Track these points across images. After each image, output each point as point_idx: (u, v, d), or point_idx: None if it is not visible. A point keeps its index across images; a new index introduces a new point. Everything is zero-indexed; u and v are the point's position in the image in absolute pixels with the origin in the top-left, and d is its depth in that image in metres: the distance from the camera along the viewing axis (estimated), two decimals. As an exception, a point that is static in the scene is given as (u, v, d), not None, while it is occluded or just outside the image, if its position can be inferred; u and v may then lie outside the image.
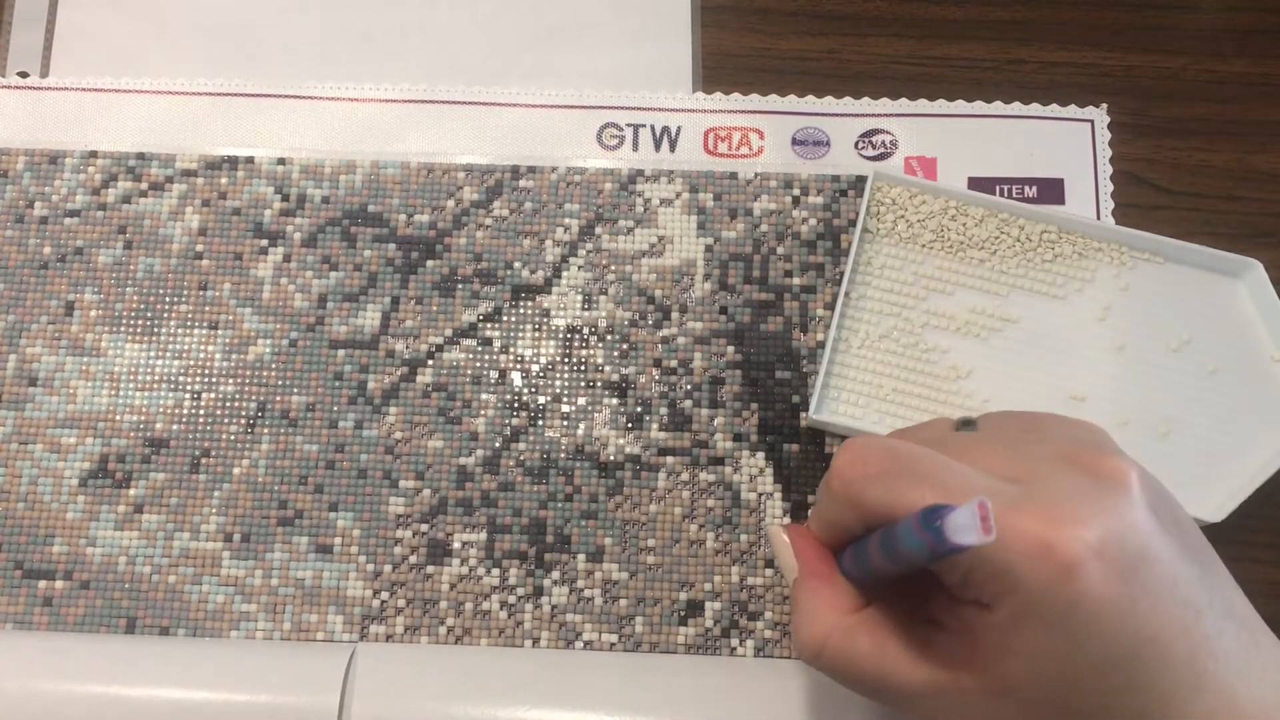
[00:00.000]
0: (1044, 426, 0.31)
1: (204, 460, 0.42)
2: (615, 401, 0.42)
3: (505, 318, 0.43)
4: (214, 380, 0.42)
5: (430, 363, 0.43)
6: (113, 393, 0.42)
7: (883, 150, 0.45)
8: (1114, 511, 0.27)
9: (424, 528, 0.41)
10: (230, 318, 0.43)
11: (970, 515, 0.25)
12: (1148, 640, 0.27)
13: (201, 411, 0.42)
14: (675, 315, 0.43)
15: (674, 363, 0.43)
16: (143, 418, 0.42)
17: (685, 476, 0.42)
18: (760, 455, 0.42)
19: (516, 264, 0.44)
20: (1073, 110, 0.46)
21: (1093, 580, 0.26)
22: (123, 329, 0.43)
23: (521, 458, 0.42)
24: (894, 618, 0.30)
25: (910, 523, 0.27)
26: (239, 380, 0.42)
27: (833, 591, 0.32)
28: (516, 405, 0.42)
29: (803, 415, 0.42)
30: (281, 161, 0.45)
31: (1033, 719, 0.28)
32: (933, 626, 0.30)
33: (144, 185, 0.44)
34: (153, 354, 0.43)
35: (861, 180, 0.44)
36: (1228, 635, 0.27)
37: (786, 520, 0.41)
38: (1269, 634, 0.29)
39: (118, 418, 0.42)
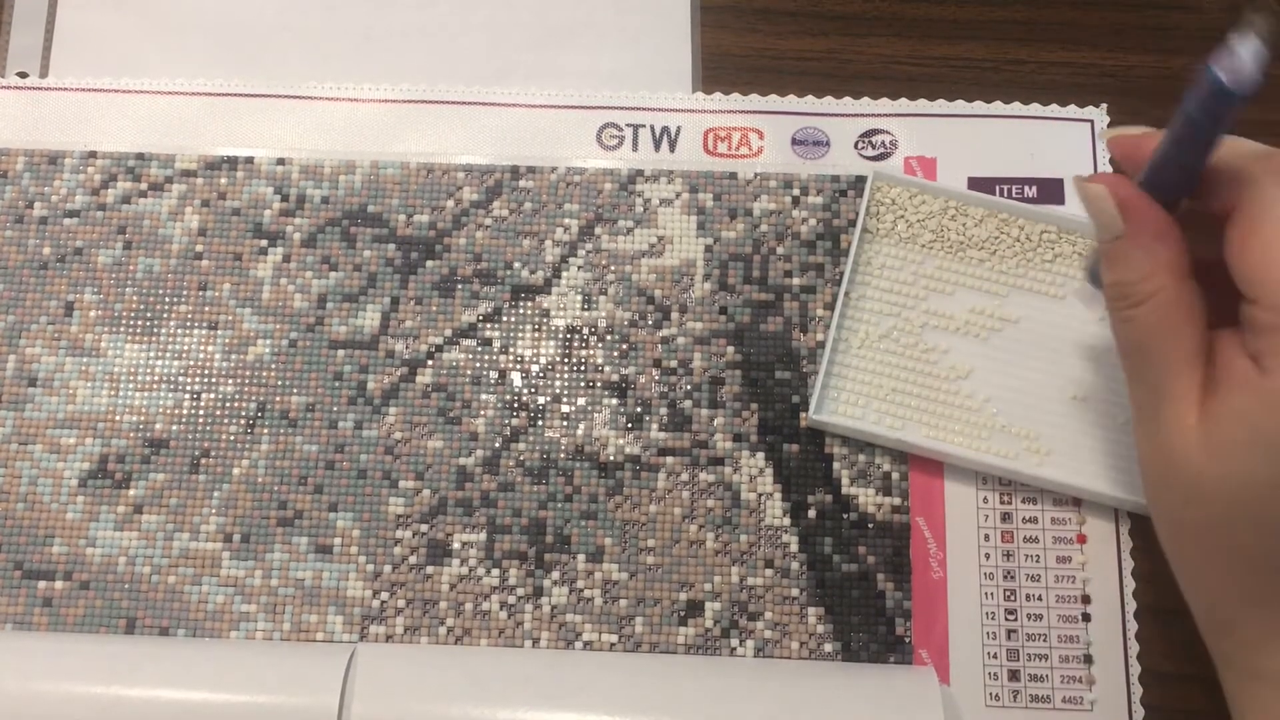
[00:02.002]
0: None
1: (204, 461, 0.42)
2: (615, 402, 0.42)
3: (505, 318, 0.43)
4: (214, 380, 0.42)
5: (430, 363, 0.43)
6: (112, 393, 0.42)
7: (882, 150, 0.45)
8: None
9: (424, 528, 0.41)
10: (230, 318, 0.43)
11: (1248, 45, 0.24)
12: None
13: (201, 412, 0.42)
14: (675, 315, 0.43)
15: (674, 363, 0.43)
16: (142, 418, 0.42)
17: (685, 477, 0.42)
18: (760, 455, 0.42)
19: (516, 264, 0.44)
20: (1073, 110, 0.46)
21: None
22: (122, 329, 0.43)
23: (521, 458, 0.42)
24: (1203, 306, 0.31)
25: (1198, 82, 0.26)
26: (239, 380, 0.42)
27: (1170, 249, 0.31)
28: (516, 405, 0.42)
29: (803, 415, 0.42)
30: (281, 162, 0.45)
31: (1202, 489, 0.30)
32: (1225, 345, 0.30)
33: (143, 185, 0.44)
34: (152, 354, 0.43)
35: (861, 180, 0.44)
36: None
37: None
38: None
39: (117, 418, 0.42)
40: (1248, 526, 0.30)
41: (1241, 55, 0.24)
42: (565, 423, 0.42)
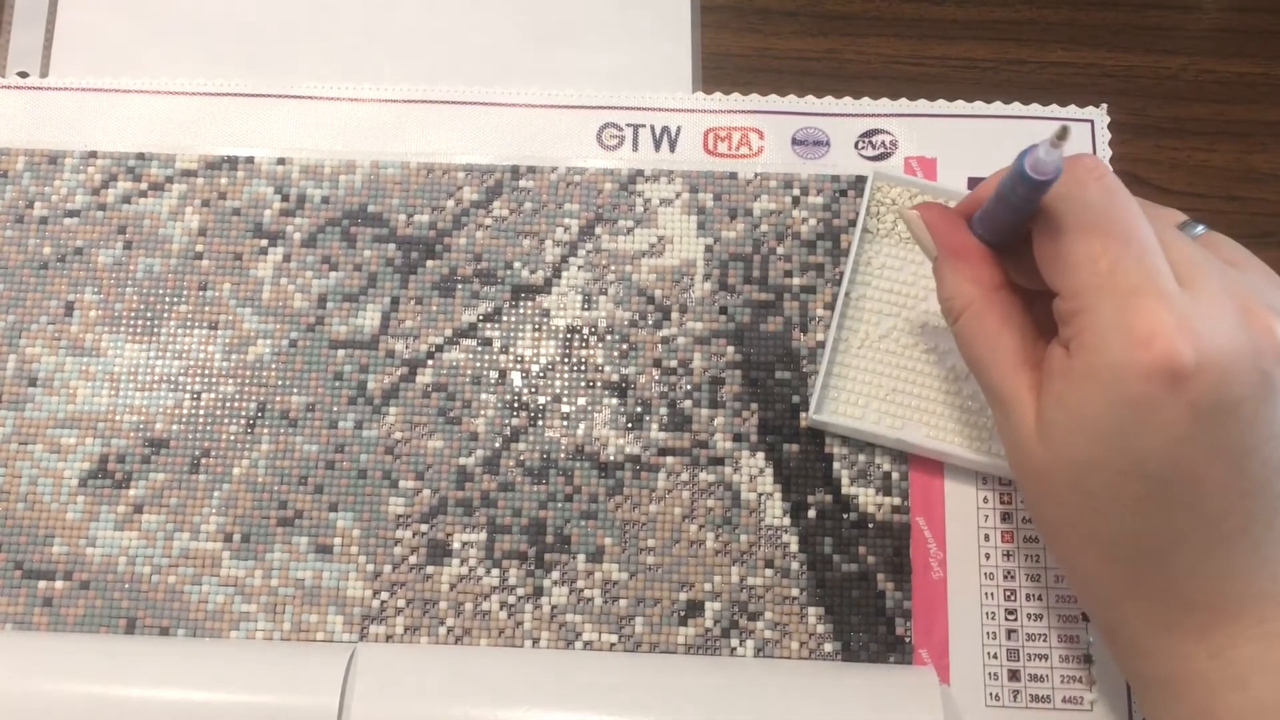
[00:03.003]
0: (1248, 269, 0.32)
1: (204, 460, 0.42)
2: (615, 401, 0.42)
3: (505, 318, 0.43)
4: (214, 380, 0.42)
5: (430, 363, 0.43)
6: (112, 393, 0.42)
7: (883, 150, 0.45)
8: (1239, 356, 0.27)
9: (424, 528, 0.41)
10: (230, 318, 0.43)
11: (1047, 149, 0.29)
12: (1185, 479, 0.28)
13: (201, 412, 0.42)
14: (675, 315, 0.43)
15: (674, 363, 0.43)
16: (142, 418, 0.42)
17: (685, 476, 0.42)
18: (760, 455, 0.42)
19: (516, 264, 0.44)
20: (1073, 110, 0.46)
21: (1175, 391, 0.27)
22: (122, 329, 0.43)
23: (521, 458, 0.42)
24: (1024, 316, 0.33)
25: (1014, 165, 0.30)
26: (239, 380, 0.42)
27: (973, 266, 0.33)
28: (516, 405, 0.42)
29: (803, 415, 0.42)
30: (281, 161, 0.45)
31: (1050, 481, 0.30)
32: (1041, 339, 0.32)
33: (144, 185, 0.44)
34: (152, 354, 0.43)
35: (861, 180, 0.44)
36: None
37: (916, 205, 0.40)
38: None
39: (117, 418, 0.42)
40: (1090, 511, 0.30)
41: (1041, 152, 0.30)
42: (565, 423, 0.42)
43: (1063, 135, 0.29)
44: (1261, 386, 0.28)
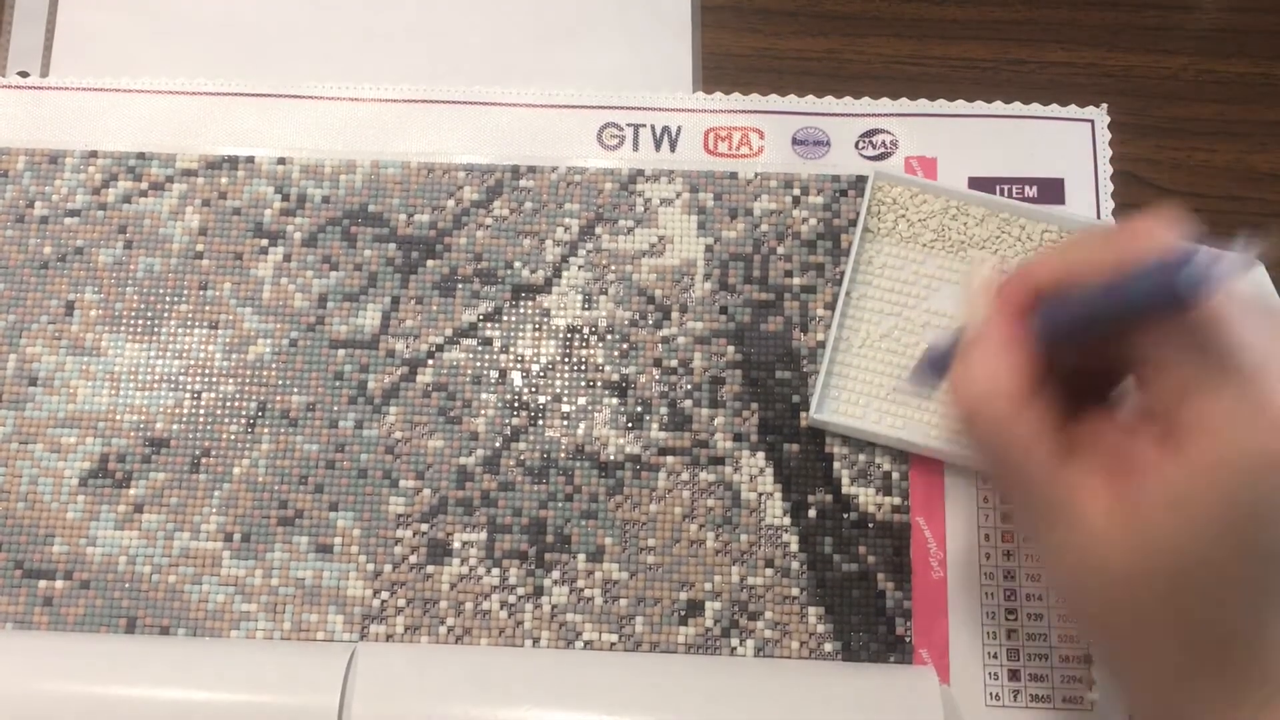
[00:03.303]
0: None
1: (204, 460, 0.42)
2: (615, 401, 0.42)
3: (505, 318, 0.43)
4: (214, 380, 0.42)
5: (430, 362, 0.43)
6: (113, 392, 0.42)
7: (883, 150, 0.45)
8: None
9: (424, 527, 0.41)
10: (230, 317, 0.43)
11: (1235, 258, 0.24)
12: None
13: (201, 411, 0.42)
14: (675, 315, 0.43)
15: (674, 363, 0.43)
16: (143, 417, 0.42)
17: (685, 476, 0.42)
18: (760, 455, 0.42)
19: (516, 264, 0.44)
20: (1073, 110, 0.46)
21: None
22: (123, 329, 0.43)
23: (521, 457, 0.42)
24: (1055, 411, 0.29)
25: (1165, 257, 0.26)
26: (239, 380, 0.42)
27: (1015, 355, 0.30)
28: (516, 405, 0.42)
29: (803, 415, 0.42)
30: (281, 161, 0.45)
31: (1137, 586, 0.28)
32: (1093, 439, 0.29)
33: (144, 185, 0.44)
34: (153, 354, 0.43)
35: (862, 180, 0.45)
36: None
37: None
38: None
39: (118, 417, 0.42)
40: (1185, 605, 0.28)
41: (1215, 270, 0.25)
42: (565, 422, 0.42)
43: (1258, 256, 0.25)
44: None
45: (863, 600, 0.40)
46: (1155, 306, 0.27)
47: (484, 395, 0.42)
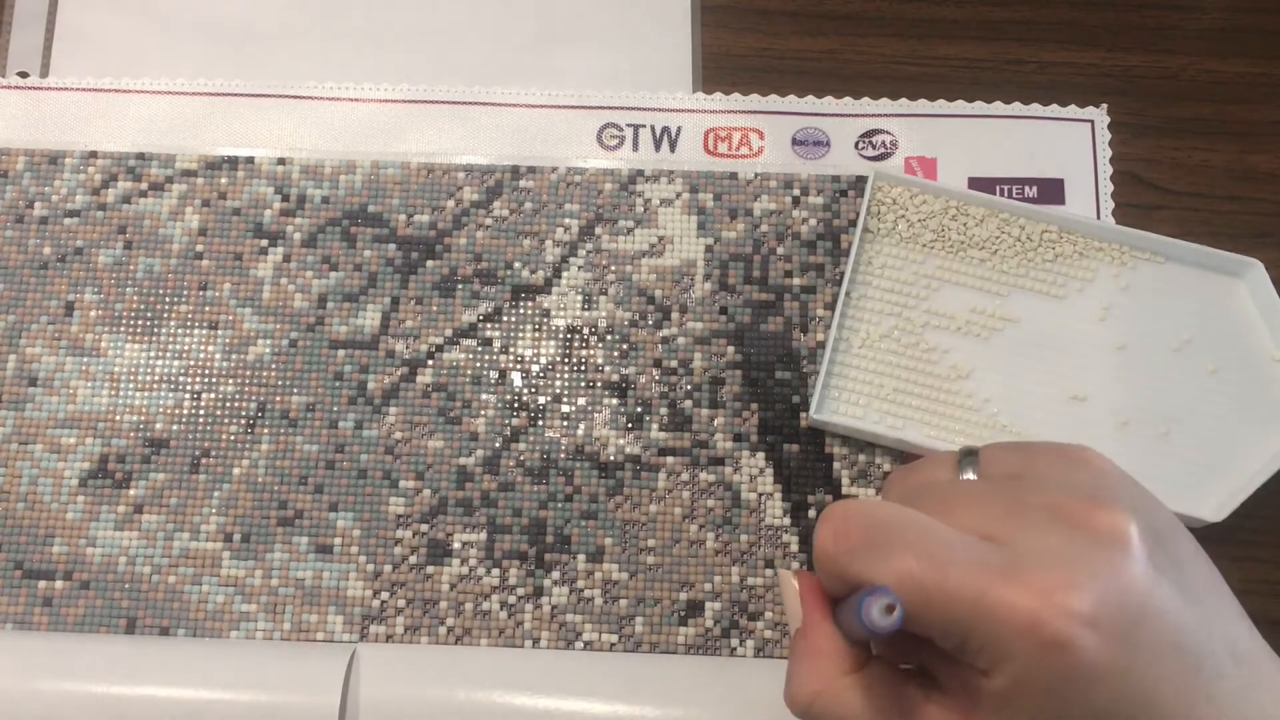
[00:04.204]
0: (1039, 469, 0.30)
1: (204, 460, 0.42)
2: (615, 401, 0.42)
3: (505, 318, 0.43)
4: (214, 380, 0.42)
5: (430, 363, 0.43)
6: (113, 393, 0.42)
7: (883, 150, 0.45)
8: (1109, 573, 0.26)
9: (424, 528, 0.41)
10: (230, 318, 0.43)
11: (879, 607, 0.26)
12: (1144, 699, 0.26)
13: (201, 412, 0.42)
14: (675, 315, 0.43)
15: (674, 363, 0.43)
16: (143, 418, 0.42)
17: (685, 477, 0.42)
18: (760, 455, 0.42)
19: (516, 264, 0.44)
20: (1073, 110, 0.46)
21: (1086, 651, 0.26)
22: (123, 329, 0.43)
23: (521, 458, 0.42)
24: (891, 678, 0.30)
25: (856, 600, 0.27)
26: (239, 380, 0.42)
27: (832, 648, 0.30)
28: (516, 405, 0.42)
29: (803, 415, 0.42)
30: (281, 161, 0.45)
31: None
32: (931, 686, 0.29)
33: (144, 185, 0.44)
34: (153, 354, 0.43)
35: (861, 180, 0.44)
36: (1228, 678, 0.27)
37: (796, 565, 0.40)
38: (1274, 660, 0.28)
39: (118, 418, 0.42)
40: None
41: (877, 621, 0.26)
42: (565, 423, 0.42)
43: (890, 610, 0.26)
44: (1144, 569, 0.27)
45: (863, 600, 0.40)
46: (865, 634, 0.28)
47: (484, 396, 0.42)
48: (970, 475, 0.31)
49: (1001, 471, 0.31)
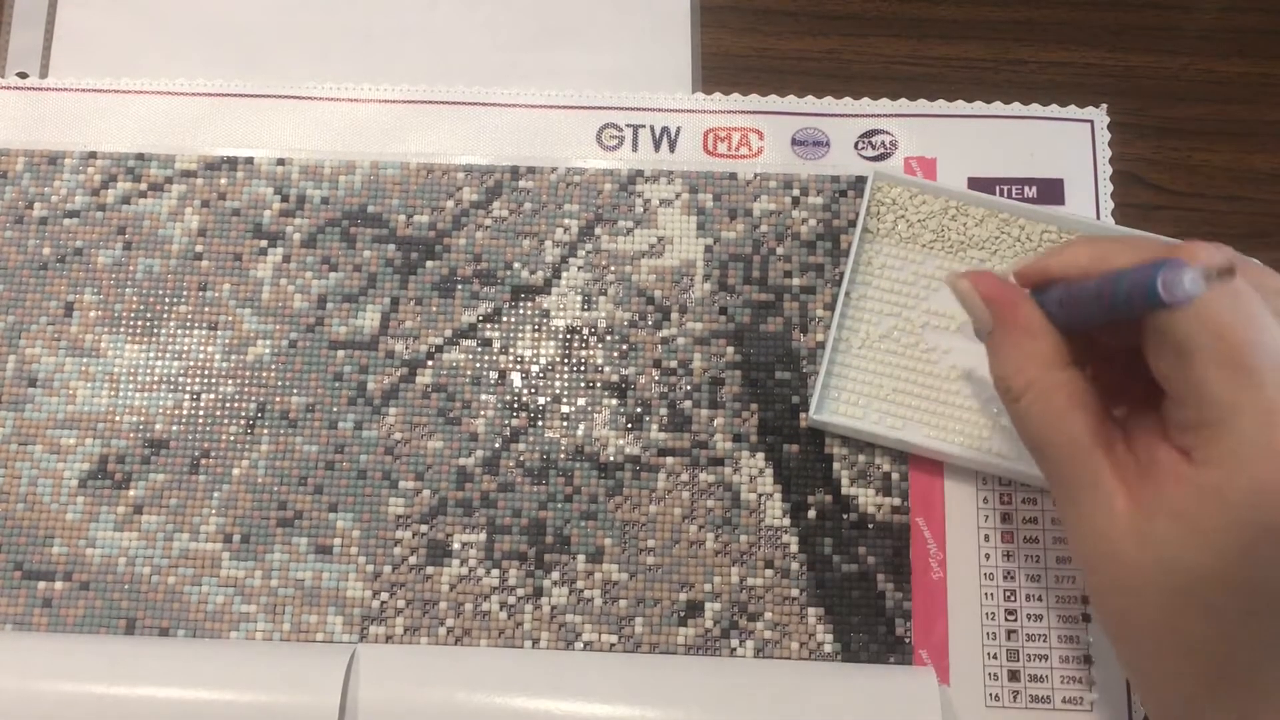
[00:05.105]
0: None
1: (204, 461, 0.42)
2: (615, 402, 0.42)
3: (505, 318, 0.43)
4: (213, 381, 0.42)
5: (430, 363, 0.43)
6: (112, 393, 0.42)
7: (882, 150, 0.45)
8: None
9: (424, 528, 0.41)
10: (230, 318, 0.43)
11: (1195, 280, 0.25)
12: None
13: (201, 412, 0.42)
14: (675, 316, 0.43)
15: (674, 363, 0.43)
16: (142, 418, 0.42)
17: (685, 477, 0.42)
18: (760, 456, 0.42)
19: (516, 264, 0.44)
20: (1073, 110, 0.46)
21: None
22: (122, 330, 0.43)
23: (521, 458, 0.42)
24: (1093, 395, 0.30)
25: (1142, 267, 0.27)
26: (238, 381, 0.42)
27: (1038, 343, 0.31)
28: (516, 406, 0.42)
29: (803, 416, 0.42)
30: (281, 162, 0.45)
31: (1142, 581, 0.29)
32: (1124, 433, 0.30)
33: (143, 186, 0.44)
34: (152, 355, 0.43)
35: (861, 181, 0.44)
36: None
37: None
38: None
39: (117, 418, 0.42)
40: (1198, 616, 0.29)
41: (1186, 282, 0.26)
42: (565, 423, 0.42)
43: (1226, 274, 0.26)
44: None
45: (862, 601, 0.40)
46: (1133, 305, 0.28)
47: (483, 396, 0.42)
48: None
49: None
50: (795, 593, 0.40)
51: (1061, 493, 0.31)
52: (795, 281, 0.44)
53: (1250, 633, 0.28)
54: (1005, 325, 0.32)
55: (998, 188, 0.45)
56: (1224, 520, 0.27)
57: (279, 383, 0.42)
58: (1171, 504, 0.28)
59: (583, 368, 0.43)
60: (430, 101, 0.46)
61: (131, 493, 0.41)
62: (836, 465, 0.42)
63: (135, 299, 0.43)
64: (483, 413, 0.42)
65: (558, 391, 0.42)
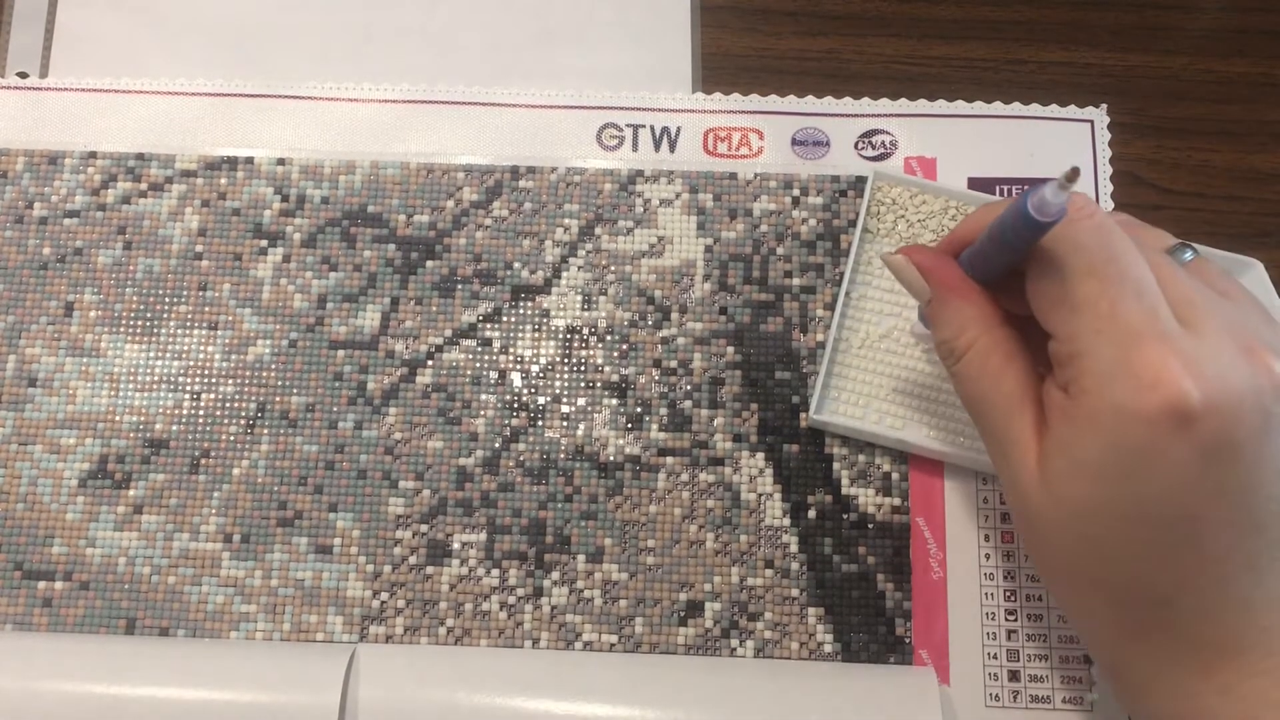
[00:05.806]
0: (1240, 302, 0.31)
1: (204, 461, 0.42)
2: (615, 402, 0.42)
3: (505, 318, 0.43)
4: (213, 381, 0.42)
5: (430, 363, 0.43)
6: (112, 393, 0.42)
7: (882, 150, 0.45)
8: (1243, 396, 0.27)
9: (424, 528, 0.41)
10: (230, 318, 0.43)
11: (1054, 190, 0.27)
12: (1190, 520, 0.27)
13: (201, 412, 0.42)
14: (675, 316, 0.43)
15: (674, 363, 0.43)
16: (142, 418, 0.42)
17: (685, 477, 0.42)
18: (760, 456, 0.42)
19: (516, 264, 0.44)
20: (1073, 110, 0.46)
21: (1181, 434, 0.26)
22: (122, 330, 0.43)
23: (521, 458, 0.42)
24: (1025, 352, 0.32)
25: (1015, 200, 0.29)
26: (238, 381, 0.42)
27: (975, 303, 0.33)
28: (516, 406, 0.42)
29: (803, 416, 0.42)
30: (281, 162, 0.45)
31: (1051, 526, 0.30)
32: (1038, 377, 0.31)
33: (143, 186, 0.44)
34: (152, 354, 0.43)
35: (861, 181, 0.44)
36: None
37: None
38: None
39: (117, 418, 0.42)
40: (1096, 558, 0.29)
41: (1048, 193, 0.28)
42: (565, 423, 0.42)
43: (1073, 177, 0.27)
44: (1264, 425, 0.27)
45: (862, 601, 0.40)
46: (1019, 235, 0.30)
47: (483, 396, 0.42)
48: (1189, 256, 0.32)
49: (1206, 280, 0.31)
50: (795, 593, 0.40)
51: (995, 450, 0.32)
52: (795, 281, 0.44)
53: (1149, 565, 0.28)
54: (943, 291, 0.33)
55: (998, 188, 0.45)
56: (1097, 447, 0.28)
57: (279, 382, 0.42)
58: (1059, 441, 0.29)
59: (583, 367, 0.43)
60: (430, 101, 0.46)
61: (131, 493, 0.41)
62: (836, 465, 0.42)
63: (135, 299, 0.43)
64: (483, 413, 0.42)
65: (558, 391, 0.42)
